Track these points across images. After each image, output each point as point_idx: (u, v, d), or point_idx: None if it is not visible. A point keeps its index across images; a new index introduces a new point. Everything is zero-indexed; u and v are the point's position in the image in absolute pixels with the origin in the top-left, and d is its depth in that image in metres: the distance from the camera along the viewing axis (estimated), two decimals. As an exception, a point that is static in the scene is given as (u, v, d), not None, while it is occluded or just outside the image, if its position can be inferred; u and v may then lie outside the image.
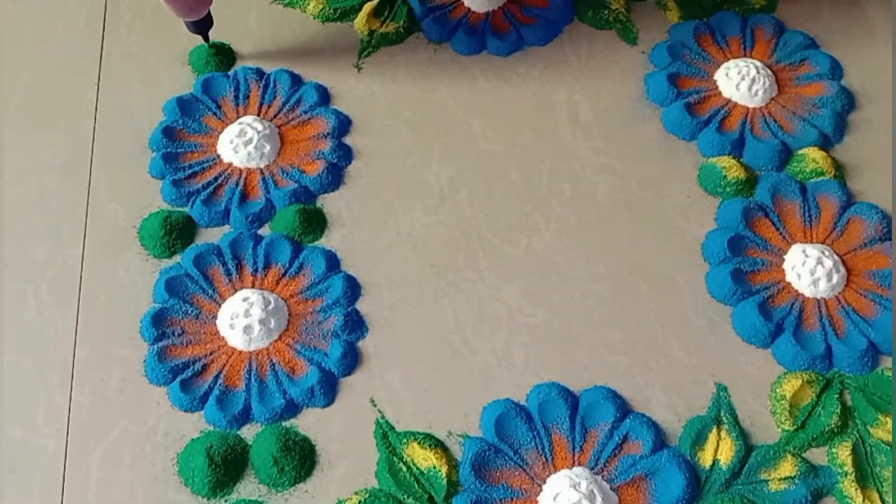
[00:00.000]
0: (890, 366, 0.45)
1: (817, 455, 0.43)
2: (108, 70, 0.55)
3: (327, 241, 0.49)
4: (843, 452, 0.43)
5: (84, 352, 0.45)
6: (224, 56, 0.55)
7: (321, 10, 0.57)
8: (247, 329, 0.45)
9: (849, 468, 0.42)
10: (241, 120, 0.52)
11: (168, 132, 0.52)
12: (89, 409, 0.44)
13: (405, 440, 0.43)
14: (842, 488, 0.42)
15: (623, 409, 0.44)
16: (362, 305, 0.47)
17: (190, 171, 0.51)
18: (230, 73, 0.55)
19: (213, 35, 0.54)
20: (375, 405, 0.44)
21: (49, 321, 0.46)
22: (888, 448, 0.43)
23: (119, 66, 0.55)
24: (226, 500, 0.41)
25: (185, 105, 0.53)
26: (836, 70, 0.55)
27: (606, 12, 0.58)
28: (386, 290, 0.48)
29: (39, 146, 0.52)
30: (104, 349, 0.45)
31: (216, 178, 0.51)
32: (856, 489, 0.42)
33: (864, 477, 0.42)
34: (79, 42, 0.57)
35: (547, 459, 0.42)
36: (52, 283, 0.47)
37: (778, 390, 0.44)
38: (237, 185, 0.50)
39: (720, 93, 0.54)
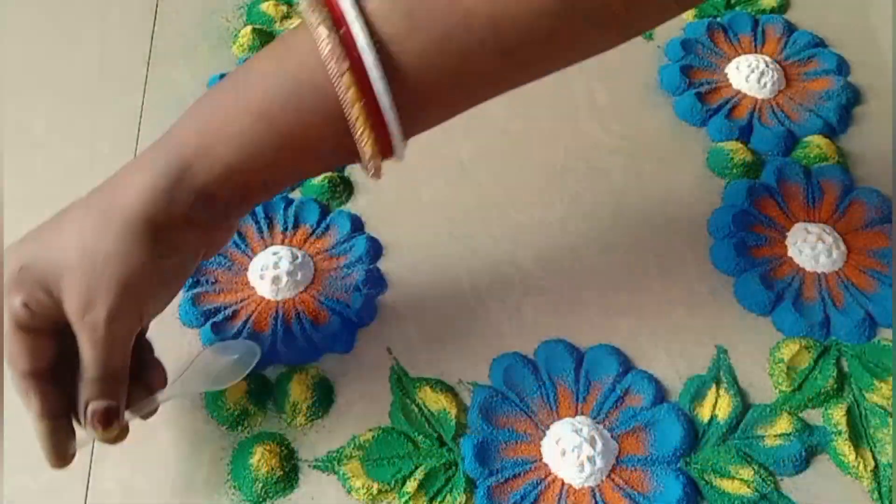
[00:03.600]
0: (886, 337, 0.47)
1: (813, 416, 0.45)
2: (158, 48, 0.60)
3: (353, 206, 0.52)
4: (838, 413, 0.44)
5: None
6: (266, 38, 0.60)
7: (357, 2, 0.62)
8: (275, 280, 0.48)
9: (843, 428, 0.44)
10: (278, 96, 0.56)
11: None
12: (126, 347, 0.47)
13: (418, 384, 0.45)
14: (835, 446, 0.44)
15: (626, 365, 0.46)
16: (383, 264, 0.50)
17: (229, 140, 0.55)
18: (270, 54, 0.59)
19: (255, 23, 0.59)
20: (391, 353, 0.47)
21: (93, 268, 0.50)
22: (883, 411, 0.45)
23: (168, 45, 0.60)
24: (248, 432, 0.44)
25: (227, 81, 0.57)
26: (842, 67, 0.58)
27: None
28: (406, 251, 0.51)
29: (92, 115, 0.57)
30: (142, 294, 0.49)
31: (253, 147, 0.54)
32: (849, 447, 0.43)
33: (858, 436, 0.44)
34: (133, 22, 0.61)
35: (551, 408, 0.45)
36: (98, 235, 0.51)
37: (776, 354, 0.46)
38: (272, 153, 0.54)
39: (730, 84, 0.57)
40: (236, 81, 0.36)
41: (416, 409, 0.45)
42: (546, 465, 0.43)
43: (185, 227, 0.36)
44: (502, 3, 0.33)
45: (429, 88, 0.34)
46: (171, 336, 0.47)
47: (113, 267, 0.35)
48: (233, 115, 0.34)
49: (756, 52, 0.59)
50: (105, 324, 0.35)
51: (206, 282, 0.49)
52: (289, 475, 0.43)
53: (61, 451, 0.38)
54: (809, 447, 0.44)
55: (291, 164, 0.36)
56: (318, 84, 0.33)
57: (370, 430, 0.44)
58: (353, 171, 0.54)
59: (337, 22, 0.33)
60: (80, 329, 0.35)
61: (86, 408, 0.37)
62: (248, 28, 0.60)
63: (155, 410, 0.40)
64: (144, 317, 0.38)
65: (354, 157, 0.36)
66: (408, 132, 0.35)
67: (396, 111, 0.33)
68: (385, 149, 0.35)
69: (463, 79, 0.35)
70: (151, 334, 0.47)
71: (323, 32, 0.32)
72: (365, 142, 0.34)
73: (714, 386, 0.45)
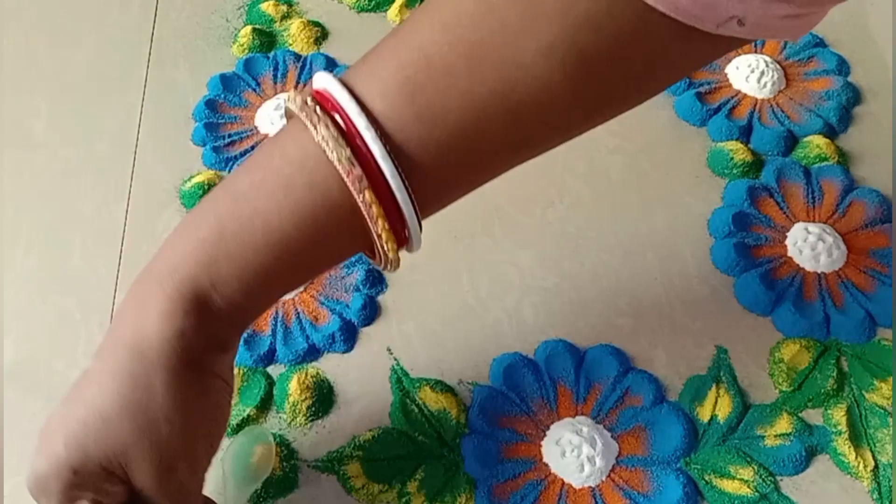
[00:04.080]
0: (886, 337, 0.47)
1: (813, 416, 0.45)
2: (158, 48, 0.60)
3: (353, 206, 0.52)
4: (838, 413, 0.44)
5: (123, 296, 0.49)
6: (265, 38, 0.60)
7: (357, 1, 0.62)
8: (275, 280, 0.48)
9: (843, 428, 0.44)
10: (278, 96, 0.56)
11: (210, 104, 0.56)
12: (126, 347, 0.47)
13: (418, 385, 0.45)
14: (836, 446, 0.44)
15: (626, 365, 0.46)
16: (383, 264, 0.50)
17: (229, 140, 0.55)
18: (270, 54, 0.59)
19: (255, 23, 0.59)
20: (392, 353, 0.47)
21: (92, 268, 0.50)
22: (883, 411, 0.45)
23: (168, 45, 0.60)
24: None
25: (227, 81, 0.57)
26: (842, 67, 0.58)
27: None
28: (406, 252, 0.50)
29: (92, 114, 0.57)
30: (142, 294, 0.49)
31: (253, 147, 0.54)
32: (849, 447, 0.43)
33: (858, 436, 0.44)
34: (133, 23, 0.61)
35: (551, 408, 0.45)
36: (97, 235, 0.51)
37: (776, 354, 0.46)
38: (272, 153, 0.54)
39: (730, 84, 0.57)
40: (241, 203, 0.33)
41: (417, 409, 0.45)
42: (546, 465, 0.43)
43: (215, 358, 0.34)
44: (514, 99, 0.32)
45: (442, 186, 0.34)
46: (171, 336, 0.47)
47: (176, 425, 0.33)
48: (251, 252, 0.32)
49: (756, 51, 0.59)
50: (190, 480, 0.34)
51: (206, 282, 0.49)
52: (289, 475, 0.43)
53: None
54: (809, 447, 0.44)
55: (305, 276, 0.36)
56: (335, 200, 0.32)
57: (370, 430, 0.44)
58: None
59: (347, 132, 0.31)
60: (162, 496, 0.33)
61: None
62: (248, 28, 0.60)
63: None
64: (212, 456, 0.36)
65: (370, 254, 0.36)
66: (421, 224, 0.34)
67: (416, 215, 0.33)
68: (402, 244, 0.34)
69: (475, 170, 0.35)
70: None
71: (333, 146, 0.31)
72: (389, 248, 0.33)
73: (714, 386, 0.45)
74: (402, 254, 0.50)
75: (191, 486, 0.34)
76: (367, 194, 0.31)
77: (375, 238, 0.33)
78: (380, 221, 0.32)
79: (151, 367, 0.32)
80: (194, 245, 0.33)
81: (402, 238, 0.34)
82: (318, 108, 0.31)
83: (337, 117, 0.31)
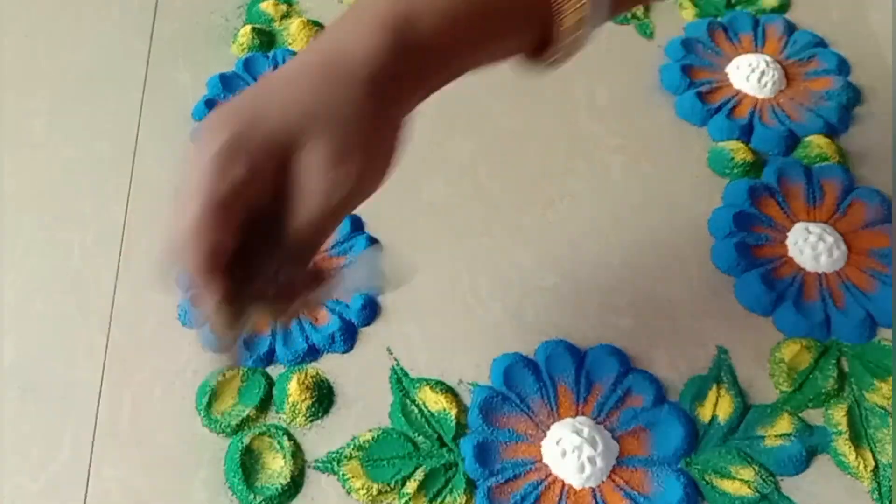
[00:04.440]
0: (886, 337, 0.47)
1: (813, 416, 0.45)
2: (158, 48, 0.60)
3: (353, 206, 0.52)
4: (839, 413, 0.44)
5: (123, 297, 0.49)
6: (265, 38, 0.60)
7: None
8: (275, 280, 0.48)
9: (843, 428, 0.44)
10: (278, 96, 0.56)
11: (210, 104, 0.56)
12: (125, 348, 0.47)
13: (418, 385, 0.45)
14: (836, 446, 0.43)
15: (627, 365, 0.46)
16: (384, 264, 0.50)
17: (229, 140, 0.54)
18: (270, 54, 0.59)
19: (255, 22, 0.59)
20: (391, 353, 0.47)
21: (92, 268, 0.50)
22: (883, 411, 0.44)
23: (168, 45, 0.60)
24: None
25: (227, 81, 0.57)
26: (843, 67, 0.58)
27: (625, 10, 0.61)
28: (406, 251, 0.51)
29: (92, 114, 0.57)
30: (142, 294, 0.49)
31: (253, 147, 0.54)
32: (850, 447, 0.43)
33: (859, 437, 0.44)
34: (133, 23, 0.61)
35: (552, 408, 0.45)
36: (97, 235, 0.51)
37: (777, 354, 0.46)
38: (272, 153, 0.54)
39: (731, 84, 0.57)
40: None
41: (417, 410, 0.44)
42: (546, 465, 0.43)
43: (407, 95, 0.34)
44: None
45: None
46: (171, 337, 0.47)
47: (364, 126, 0.32)
48: None
49: (756, 51, 0.59)
50: (353, 182, 0.32)
51: (206, 282, 0.49)
52: (296, 479, 0.42)
53: (234, 333, 0.35)
54: (810, 447, 0.43)
55: (489, 32, 0.35)
56: None
57: (370, 430, 0.44)
58: (353, 171, 0.54)
59: None
60: (317, 184, 0.32)
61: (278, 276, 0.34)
62: (248, 28, 0.60)
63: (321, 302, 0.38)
64: (372, 188, 0.35)
65: (546, 34, 0.35)
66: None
67: None
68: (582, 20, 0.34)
69: None
70: (151, 338, 0.48)
71: None
72: (570, 10, 0.34)
73: (715, 386, 0.45)
74: (402, 253, 0.50)
75: (355, 195, 0.33)
76: None
77: None
78: None
79: (353, 75, 0.32)
80: None
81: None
82: None
83: None
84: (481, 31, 0.35)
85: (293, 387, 0.45)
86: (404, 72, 0.33)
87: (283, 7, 0.61)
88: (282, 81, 0.33)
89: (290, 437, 0.44)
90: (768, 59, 0.57)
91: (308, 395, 0.44)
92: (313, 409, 0.44)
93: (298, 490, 0.42)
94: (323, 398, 0.45)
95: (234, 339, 0.35)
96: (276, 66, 0.58)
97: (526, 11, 0.34)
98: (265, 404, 0.45)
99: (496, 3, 0.34)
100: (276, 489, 0.42)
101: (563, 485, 0.42)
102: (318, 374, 0.46)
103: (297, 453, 0.43)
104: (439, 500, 0.42)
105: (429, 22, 0.33)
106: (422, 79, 0.34)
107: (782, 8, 0.61)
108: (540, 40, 0.35)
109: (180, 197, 0.32)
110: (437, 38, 0.33)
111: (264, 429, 0.44)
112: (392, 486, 0.42)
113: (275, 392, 0.45)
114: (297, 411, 0.44)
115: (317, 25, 0.60)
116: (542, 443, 0.43)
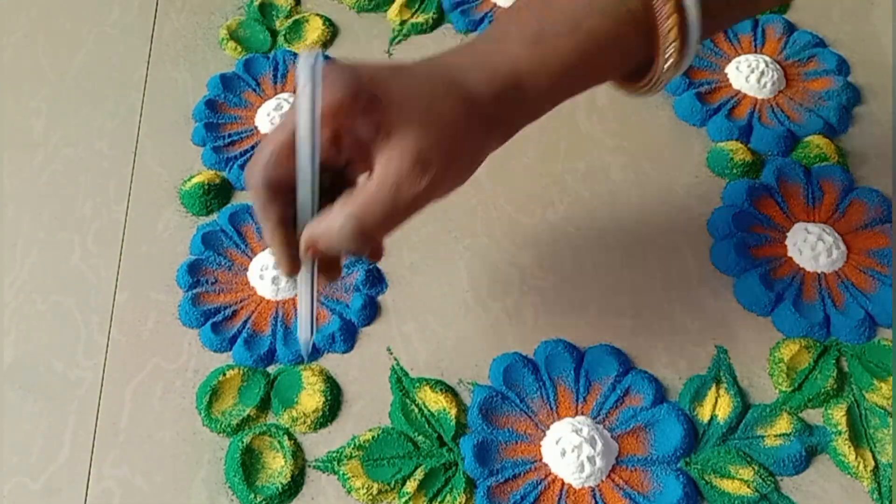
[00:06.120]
0: (886, 337, 0.47)
1: (812, 416, 0.45)
2: (157, 49, 0.60)
3: (353, 206, 0.52)
4: (838, 413, 0.44)
5: (123, 296, 0.49)
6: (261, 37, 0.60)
7: (357, 1, 0.62)
8: (275, 280, 0.48)
9: (843, 428, 0.44)
10: (278, 96, 0.56)
11: (210, 104, 0.56)
12: (125, 347, 0.47)
13: (418, 384, 0.45)
14: (836, 446, 0.44)
15: (626, 365, 0.46)
16: (383, 264, 0.50)
17: (229, 140, 0.55)
18: (270, 54, 0.59)
19: (259, 16, 0.59)
20: (392, 353, 0.47)
21: (93, 267, 0.50)
22: (883, 411, 0.44)
23: (168, 46, 0.60)
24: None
25: (227, 81, 0.57)
26: (842, 67, 0.58)
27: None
28: (406, 251, 0.51)
29: (92, 114, 0.57)
30: (142, 294, 0.49)
31: (253, 147, 0.54)
32: (849, 447, 0.43)
33: (858, 437, 0.44)
34: (133, 23, 0.61)
35: (551, 408, 0.45)
36: (97, 235, 0.51)
37: (776, 354, 0.46)
38: (272, 153, 0.54)
39: (730, 84, 0.57)
40: (549, 3, 0.37)
41: (416, 409, 0.45)
42: (546, 465, 0.43)
43: (504, 127, 0.38)
44: None
45: (723, 7, 0.38)
46: (171, 336, 0.47)
47: (457, 141, 0.36)
48: (560, 41, 0.36)
49: (756, 52, 0.59)
50: (428, 188, 0.35)
51: (206, 282, 0.49)
52: (296, 479, 0.42)
53: (292, 255, 0.37)
54: (809, 447, 0.44)
55: (593, 77, 0.39)
56: (636, 4, 0.36)
57: (370, 430, 0.44)
58: (353, 171, 0.54)
59: None
60: (398, 175, 0.35)
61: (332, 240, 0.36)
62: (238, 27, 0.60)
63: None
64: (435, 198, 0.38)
65: (640, 71, 0.39)
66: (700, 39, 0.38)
67: (699, 23, 0.36)
68: (681, 60, 0.37)
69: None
70: (151, 337, 0.48)
71: None
72: (672, 54, 0.37)
73: (714, 386, 0.45)
74: (401, 253, 0.50)
75: (424, 197, 0.35)
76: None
77: (661, 40, 0.36)
78: (671, 20, 0.36)
79: (468, 98, 0.36)
80: (517, 34, 0.37)
81: (683, 51, 0.37)
82: None
83: None
84: (585, 82, 0.39)
85: (305, 398, 0.45)
86: (513, 109, 0.37)
87: (284, 7, 0.62)
88: (409, 72, 0.36)
89: (291, 437, 0.44)
90: (768, 59, 0.57)
91: (318, 407, 0.45)
92: (321, 421, 0.44)
93: (298, 490, 0.43)
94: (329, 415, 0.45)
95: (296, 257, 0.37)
96: (276, 67, 0.58)
97: (630, 56, 0.38)
98: (265, 404, 0.45)
99: (609, 46, 0.37)
100: (277, 489, 0.42)
101: (563, 484, 0.42)
102: (324, 369, 0.46)
103: (297, 453, 0.43)
104: (439, 499, 0.42)
105: (549, 76, 0.37)
106: (525, 120, 0.39)
107: (782, 8, 0.62)
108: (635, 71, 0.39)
109: (280, 122, 0.36)
110: (553, 92, 0.38)
111: (264, 428, 0.44)
112: (392, 485, 0.42)
113: (274, 392, 0.45)
114: (303, 422, 0.44)
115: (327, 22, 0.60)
116: (542, 442, 0.43)
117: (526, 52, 0.36)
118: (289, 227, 0.37)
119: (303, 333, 0.39)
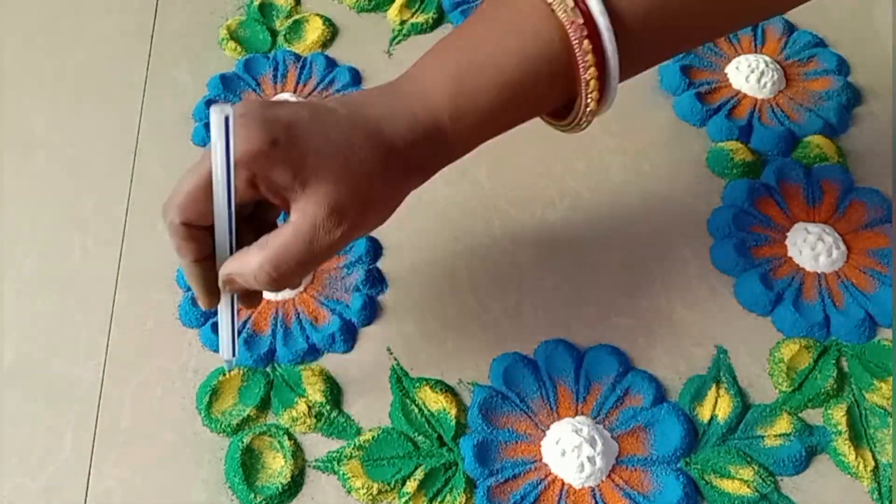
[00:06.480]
0: (886, 337, 0.47)
1: (813, 416, 0.45)
2: (158, 48, 0.60)
3: (353, 206, 0.52)
4: (838, 413, 0.44)
5: (123, 296, 0.49)
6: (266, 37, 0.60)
7: (357, 1, 0.62)
8: (275, 280, 0.48)
9: (843, 428, 0.44)
10: (278, 96, 0.56)
11: (210, 104, 0.56)
12: (125, 347, 0.47)
13: (418, 384, 0.45)
14: (836, 446, 0.44)
15: (626, 365, 0.46)
16: (383, 264, 0.50)
17: (229, 140, 0.55)
18: (270, 54, 0.59)
19: (259, 16, 0.59)
20: (392, 353, 0.47)
21: (93, 268, 0.50)
22: (883, 411, 0.45)
23: (168, 45, 0.60)
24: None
25: (227, 81, 0.57)
26: (842, 67, 0.58)
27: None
28: (406, 251, 0.51)
29: (92, 114, 0.57)
30: (142, 294, 0.49)
31: (253, 147, 0.54)
32: (849, 447, 0.43)
33: (858, 437, 0.44)
34: (133, 23, 0.61)
35: (551, 408, 0.45)
36: (97, 235, 0.51)
37: (776, 354, 0.46)
38: (272, 153, 0.54)
39: (730, 84, 0.57)
40: (475, 49, 0.38)
41: (416, 409, 0.45)
42: (546, 465, 0.43)
43: (424, 170, 0.39)
44: None
45: (642, 48, 0.38)
46: (171, 337, 0.47)
47: (374, 189, 0.37)
48: (483, 87, 0.37)
49: (756, 51, 0.59)
50: (344, 235, 0.36)
51: (206, 282, 0.49)
52: (296, 479, 0.42)
53: (211, 289, 0.39)
54: (809, 447, 0.44)
55: (515, 121, 0.40)
56: (554, 49, 0.36)
57: (370, 430, 0.44)
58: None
59: None
60: (312, 225, 0.36)
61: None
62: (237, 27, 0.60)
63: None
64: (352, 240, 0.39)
65: (558, 115, 0.40)
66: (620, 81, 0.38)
67: (619, 70, 0.37)
68: (601, 103, 0.38)
69: (676, 32, 0.39)
70: (151, 337, 0.48)
71: (559, 1, 0.36)
72: (592, 98, 0.37)
73: (714, 386, 0.45)
74: (401, 253, 0.50)
75: (341, 244, 0.37)
76: (586, 43, 0.35)
77: (583, 87, 0.37)
78: (591, 70, 0.36)
79: (385, 143, 0.36)
80: (440, 79, 0.37)
81: (604, 95, 0.38)
82: None
83: None
84: (506, 125, 0.39)
85: (293, 385, 0.45)
86: (432, 154, 0.38)
87: (284, 7, 0.62)
88: (329, 118, 0.37)
89: (291, 437, 0.44)
90: (768, 59, 0.57)
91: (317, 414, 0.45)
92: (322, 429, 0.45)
93: (298, 490, 0.43)
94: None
95: (212, 289, 0.39)
96: (276, 67, 0.58)
97: (550, 100, 0.39)
98: (265, 404, 0.45)
99: (531, 92, 0.37)
100: (277, 489, 0.42)
101: (563, 484, 0.42)
102: (326, 372, 0.46)
103: (297, 453, 0.43)
104: (439, 499, 0.42)
105: (470, 122, 0.38)
106: (445, 163, 0.39)
107: (782, 8, 0.62)
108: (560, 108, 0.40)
109: (194, 165, 0.37)
110: (473, 136, 0.39)
111: (264, 428, 0.44)
112: (392, 485, 0.42)
113: (273, 392, 0.45)
114: (303, 422, 0.44)
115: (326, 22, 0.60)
116: (542, 442, 0.43)
117: (447, 100, 0.37)
118: (206, 262, 0.38)
119: (224, 354, 0.42)
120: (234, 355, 0.42)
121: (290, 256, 0.36)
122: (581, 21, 0.35)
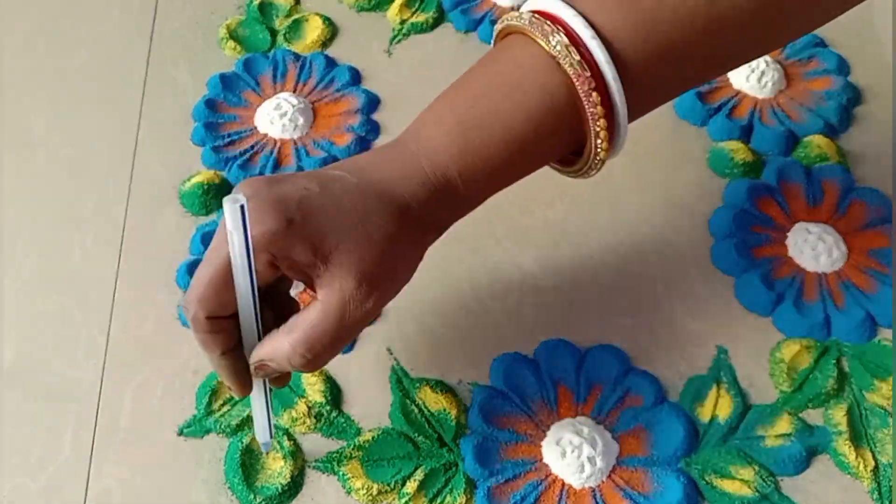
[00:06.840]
0: (886, 337, 0.47)
1: (813, 416, 0.45)
2: (158, 48, 0.60)
3: (353, 206, 0.52)
4: (839, 414, 0.44)
5: (123, 296, 0.49)
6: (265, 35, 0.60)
7: (357, 1, 0.62)
8: (275, 280, 0.48)
9: (843, 428, 0.44)
10: (277, 95, 0.56)
11: (210, 104, 0.56)
12: (125, 347, 0.47)
13: (418, 385, 0.45)
14: (836, 446, 0.43)
15: (626, 365, 0.46)
16: (383, 264, 0.50)
17: (229, 140, 0.55)
18: (269, 54, 0.59)
19: (258, 16, 0.59)
20: (392, 353, 0.47)
21: (92, 268, 0.50)
22: (883, 411, 0.44)
23: (168, 45, 0.60)
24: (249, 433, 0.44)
25: (227, 81, 0.57)
26: (843, 67, 0.58)
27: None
28: (406, 251, 0.50)
29: (92, 114, 0.57)
30: (142, 294, 0.49)
31: (252, 147, 0.54)
32: (849, 447, 0.43)
33: (859, 437, 0.44)
34: (133, 23, 0.61)
35: (552, 408, 0.45)
36: (97, 235, 0.51)
37: (777, 354, 0.46)
38: (272, 153, 0.54)
39: (730, 84, 0.57)
40: (478, 104, 0.37)
41: (417, 410, 0.44)
42: (546, 465, 0.43)
43: (440, 227, 0.39)
44: (719, 7, 0.36)
45: (647, 93, 0.38)
46: (171, 337, 0.47)
47: (395, 252, 0.37)
48: (491, 143, 0.37)
49: (756, 51, 0.59)
50: (375, 304, 0.36)
51: (206, 282, 0.49)
52: (296, 479, 0.42)
53: (243, 379, 0.39)
54: (810, 447, 0.43)
55: (525, 172, 0.40)
56: (562, 102, 0.36)
57: (370, 430, 0.44)
58: (353, 171, 0.54)
59: (572, 41, 0.35)
60: (342, 299, 0.35)
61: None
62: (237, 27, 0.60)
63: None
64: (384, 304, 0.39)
65: (566, 162, 0.40)
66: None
67: (627, 118, 0.36)
68: (611, 149, 0.38)
69: (682, 73, 0.38)
70: (151, 337, 0.48)
71: (565, 53, 0.35)
72: (603, 148, 0.37)
73: (714, 386, 0.45)
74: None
75: (366, 320, 0.37)
76: (594, 95, 0.35)
77: (593, 137, 0.36)
78: (601, 121, 0.36)
79: (396, 210, 0.36)
80: (447, 137, 0.37)
81: (613, 143, 0.37)
82: (547, 22, 0.35)
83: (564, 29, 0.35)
84: (517, 176, 0.40)
85: (293, 387, 0.45)
86: (445, 210, 0.38)
87: (284, 6, 0.61)
88: (339, 187, 0.36)
89: (290, 437, 0.44)
90: (768, 59, 0.57)
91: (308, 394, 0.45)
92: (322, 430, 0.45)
93: (298, 490, 0.43)
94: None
95: (245, 380, 0.39)
96: (275, 67, 0.58)
97: (564, 147, 0.39)
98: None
99: (539, 146, 0.38)
100: (276, 489, 0.42)
101: (563, 485, 0.42)
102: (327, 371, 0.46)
103: (297, 453, 0.43)
104: (439, 500, 0.42)
105: (480, 177, 0.38)
106: (458, 217, 0.40)
107: (782, 8, 0.61)
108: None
109: (208, 255, 0.36)
110: (484, 190, 0.39)
111: (264, 429, 0.44)
112: (392, 486, 0.42)
113: (273, 393, 0.45)
114: (303, 423, 0.44)
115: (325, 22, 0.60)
116: (542, 443, 0.43)
117: (456, 156, 0.37)
118: (234, 353, 0.38)
119: (261, 437, 0.41)
120: (271, 437, 0.41)
121: (324, 334, 0.36)
122: (588, 73, 0.35)
